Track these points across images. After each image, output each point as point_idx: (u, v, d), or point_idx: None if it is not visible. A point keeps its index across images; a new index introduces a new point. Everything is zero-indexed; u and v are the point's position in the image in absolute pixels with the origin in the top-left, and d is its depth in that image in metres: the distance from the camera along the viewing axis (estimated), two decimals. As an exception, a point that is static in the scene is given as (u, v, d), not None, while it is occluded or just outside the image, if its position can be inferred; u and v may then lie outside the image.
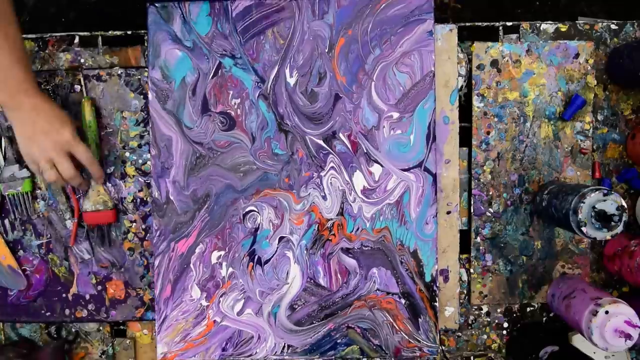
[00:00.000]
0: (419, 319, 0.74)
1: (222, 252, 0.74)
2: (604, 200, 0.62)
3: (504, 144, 0.76)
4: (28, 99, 0.66)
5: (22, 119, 0.66)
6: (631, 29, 0.76)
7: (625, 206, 0.62)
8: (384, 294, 0.73)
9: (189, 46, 0.73)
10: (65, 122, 0.68)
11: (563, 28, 0.76)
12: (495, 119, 0.75)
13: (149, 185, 0.76)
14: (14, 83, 0.65)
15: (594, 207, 0.62)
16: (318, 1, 0.72)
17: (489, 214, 0.76)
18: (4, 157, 0.75)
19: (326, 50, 0.73)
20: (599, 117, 0.76)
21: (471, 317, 0.77)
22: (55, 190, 0.75)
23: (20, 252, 0.76)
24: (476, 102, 0.75)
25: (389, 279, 0.73)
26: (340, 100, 0.73)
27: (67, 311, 0.76)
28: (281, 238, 0.74)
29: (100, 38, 0.77)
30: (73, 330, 0.77)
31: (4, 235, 0.76)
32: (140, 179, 0.76)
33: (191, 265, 0.74)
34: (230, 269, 0.74)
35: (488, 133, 0.75)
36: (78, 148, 0.69)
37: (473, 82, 0.75)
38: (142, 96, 0.75)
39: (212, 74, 0.73)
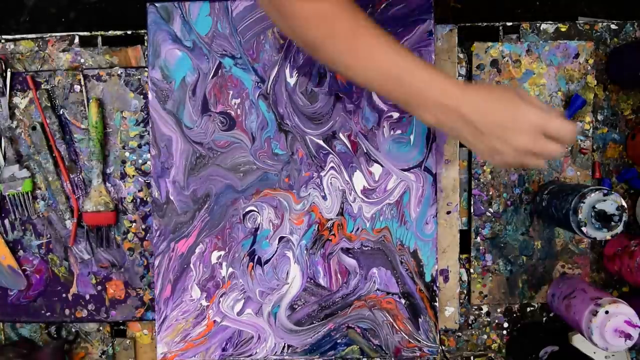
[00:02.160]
0: (419, 319, 0.74)
1: (222, 252, 0.74)
2: (604, 200, 0.62)
3: (504, 144, 0.75)
4: (464, 90, 0.54)
5: (480, 115, 0.54)
6: (631, 29, 0.76)
7: (625, 206, 0.62)
8: (384, 294, 0.73)
9: (189, 46, 0.73)
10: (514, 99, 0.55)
11: (563, 28, 0.76)
12: (495, 119, 0.75)
13: (149, 185, 0.76)
14: (438, 88, 0.54)
15: (594, 207, 0.62)
16: (318, 1, 0.72)
17: (489, 214, 0.76)
18: (4, 157, 0.75)
19: (326, 50, 0.73)
20: (599, 117, 0.76)
21: (471, 317, 0.77)
22: (55, 189, 0.75)
23: (20, 252, 0.76)
24: (476, 102, 0.75)
25: (389, 279, 0.73)
26: (340, 100, 0.73)
27: (67, 311, 0.76)
28: (281, 238, 0.74)
29: (100, 38, 0.77)
30: (73, 330, 0.77)
31: (4, 235, 0.76)
32: (140, 179, 0.76)
33: (191, 265, 0.74)
34: (230, 269, 0.74)
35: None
36: (552, 123, 0.54)
37: (473, 82, 0.75)
38: (142, 96, 0.75)
39: (212, 74, 0.73)
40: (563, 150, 0.56)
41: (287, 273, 0.74)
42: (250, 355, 0.74)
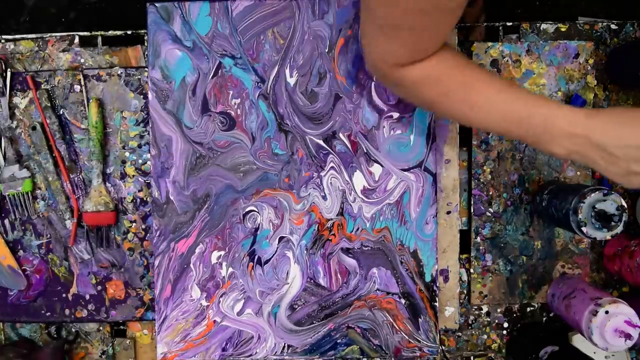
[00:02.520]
0: (419, 319, 0.74)
1: (222, 252, 0.74)
2: (604, 200, 0.62)
3: (504, 144, 0.75)
4: (590, 116, 0.53)
5: (612, 139, 0.52)
6: (631, 29, 0.76)
7: (625, 206, 0.62)
8: (384, 294, 0.73)
9: (189, 46, 0.73)
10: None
11: (563, 28, 0.76)
12: (495, 119, 0.75)
13: (149, 185, 0.76)
14: (563, 119, 0.53)
15: (594, 207, 0.62)
16: (318, 1, 0.72)
17: (489, 214, 0.76)
18: (4, 157, 0.75)
19: (326, 50, 0.73)
20: (599, 117, 0.76)
21: (471, 317, 0.77)
22: (55, 189, 0.75)
23: (20, 252, 0.76)
24: (476, 102, 0.75)
25: (389, 279, 0.73)
26: (340, 100, 0.73)
27: (67, 311, 0.76)
28: (281, 238, 0.74)
29: (100, 38, 0.77)
30: (73, 330, 0.77)
31: (4, 235, 0.76)
32: (140, 179, 0.76)
33: (191, 265, 0.74)
34: (230, 269, 0.74)
35: (488, 133, 0.75)
36: None
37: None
38: (142, 96, 0.75)
39: (212, 74, 0.73)
40: None
41: (287, 273, 0.74)
42: (250, 355, 0.74)
